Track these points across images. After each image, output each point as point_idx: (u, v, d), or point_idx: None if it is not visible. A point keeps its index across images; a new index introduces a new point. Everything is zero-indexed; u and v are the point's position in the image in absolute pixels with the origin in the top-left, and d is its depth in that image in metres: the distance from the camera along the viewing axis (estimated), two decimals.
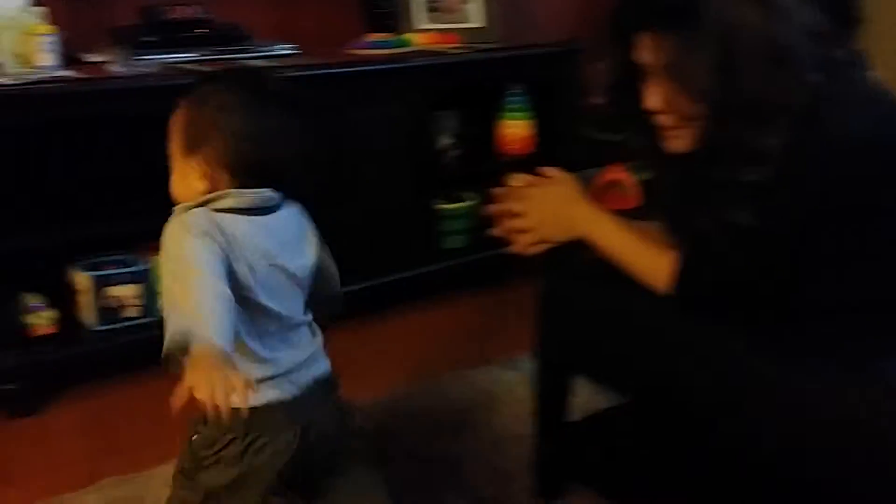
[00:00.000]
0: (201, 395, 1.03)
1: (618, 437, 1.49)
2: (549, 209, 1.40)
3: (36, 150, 2.18)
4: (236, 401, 1.07)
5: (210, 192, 1.28)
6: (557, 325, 1.44)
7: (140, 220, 2.20)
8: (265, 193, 1.30)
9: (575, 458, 1.58)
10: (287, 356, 1.32)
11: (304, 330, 1.37)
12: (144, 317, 2.18)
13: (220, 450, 1.29)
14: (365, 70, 2.40)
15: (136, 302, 2.17)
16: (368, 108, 2.39)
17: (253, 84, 1.34)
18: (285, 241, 1.32)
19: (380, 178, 2.46)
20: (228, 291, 1.16)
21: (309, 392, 1.34)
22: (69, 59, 2.13)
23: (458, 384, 2.14)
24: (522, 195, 1.40)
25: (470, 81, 2.65)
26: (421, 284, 2.63)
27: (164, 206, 2.20)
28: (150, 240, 2.19)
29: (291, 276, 1.32)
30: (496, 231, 1.44)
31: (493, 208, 1.44)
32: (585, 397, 1.99)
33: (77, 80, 2.01)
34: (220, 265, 1.19)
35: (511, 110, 2.73)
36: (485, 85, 2.71)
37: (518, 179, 1.43)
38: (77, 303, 2.16)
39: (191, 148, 1.30)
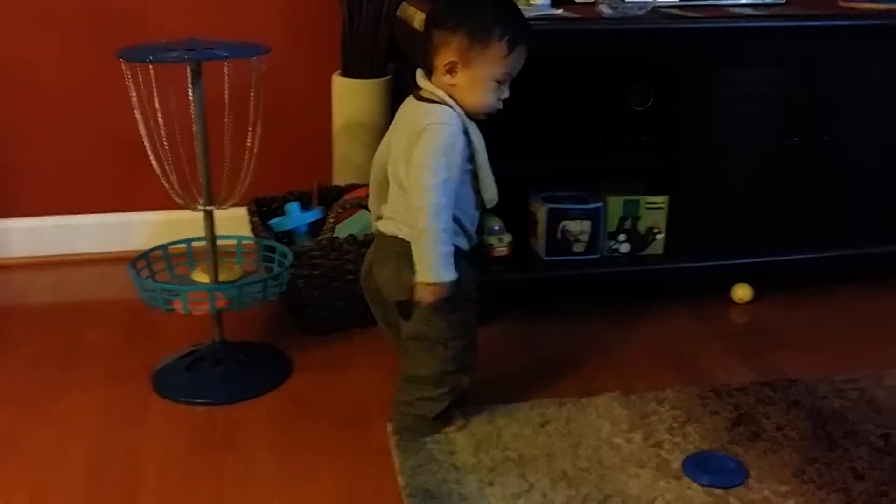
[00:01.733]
0: None
1: None
2: None
3: (519, 84, 2.31)
4: None
5: None
6: None
7: (601, 160, 2.28)
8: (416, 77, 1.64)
9: None
10: (385, 203, 1.69)
11: (396, 190, 1.65)
12: (589, 253, 2.24)
13: None
14: (858, 25, 2.21)
15: (584, 238, 2.24)
16: (857, 65, 2.21)
17: None
18: (399, 118, 1.67)
19: (858, 142, 2.27)
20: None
21: (377, 241, 1.70)
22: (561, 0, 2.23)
23: None
24: None
25: None
26: (885, 264, 2.43)
27: (625, 149, 2.27)
28: (606, 180, 2.29)
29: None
30: None
31: None
32: None
33: (568, 19, 2.09)
34: None
35: None
36: None
37: None
38: (532, 231, 2.29)
39: None
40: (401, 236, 1.63)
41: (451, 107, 1.58)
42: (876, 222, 2.36)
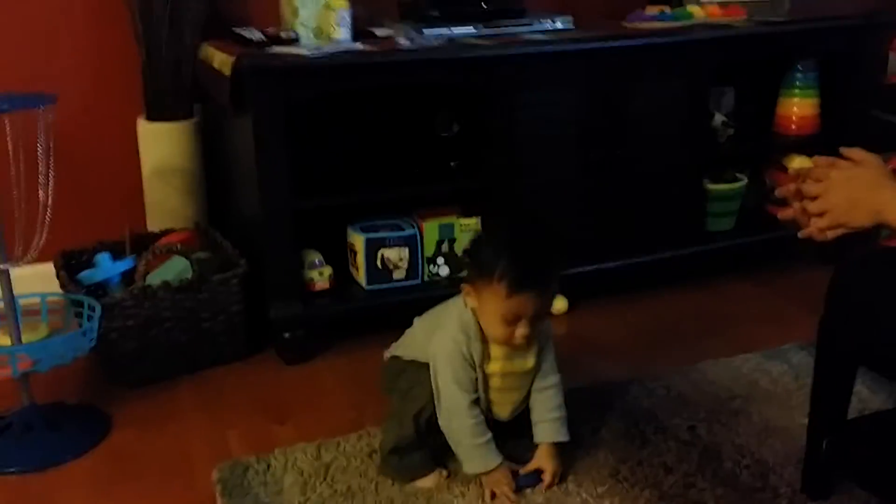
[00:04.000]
0: None
1: None
2: (851, 193, 1.29)
3: (325, 118, 2.34)
4: None
5: None
6: (848, 315, 1.35)
7: (414, 187, 2.32)
8: None
9: (852, 458, 1.48)
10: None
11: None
12: (409, 279, 2.28)
13: None
14: (643, 44, 2.34)
15: (404, 265, 2.27)
16: (644, 82, 2.35)
17: None
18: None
19: (650, 154, 2.41)
20: None
21: None
22: (360, 33, 2.26)
23: (719, 371, 2.07)
24: (821, 176, 1.31)
25: (754, 56, 2.52)
26: (683, 266, 2.57)
27: (436, 175, 2.33)
28: (420, 206, 2.34)
29: None
30: (785, 213, 1.36)
31: (784, 190, 1.36)
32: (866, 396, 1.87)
33: (367, 52, 2.12)
34: None
35: (796, 87, 2.58)
36: (769, 60, 2.57)
37: (818, 161, 1.34)
38: (352, 262, 2.30)
39: None
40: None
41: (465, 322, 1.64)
42: (677, 227, 2.51)
